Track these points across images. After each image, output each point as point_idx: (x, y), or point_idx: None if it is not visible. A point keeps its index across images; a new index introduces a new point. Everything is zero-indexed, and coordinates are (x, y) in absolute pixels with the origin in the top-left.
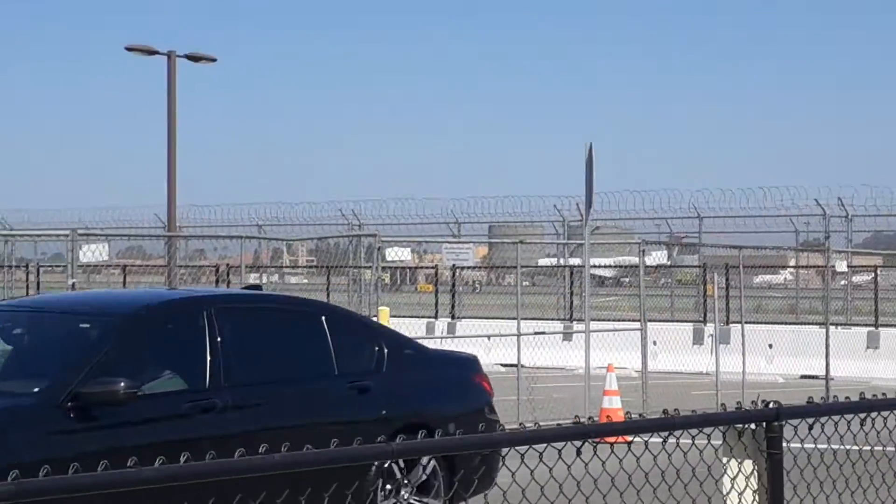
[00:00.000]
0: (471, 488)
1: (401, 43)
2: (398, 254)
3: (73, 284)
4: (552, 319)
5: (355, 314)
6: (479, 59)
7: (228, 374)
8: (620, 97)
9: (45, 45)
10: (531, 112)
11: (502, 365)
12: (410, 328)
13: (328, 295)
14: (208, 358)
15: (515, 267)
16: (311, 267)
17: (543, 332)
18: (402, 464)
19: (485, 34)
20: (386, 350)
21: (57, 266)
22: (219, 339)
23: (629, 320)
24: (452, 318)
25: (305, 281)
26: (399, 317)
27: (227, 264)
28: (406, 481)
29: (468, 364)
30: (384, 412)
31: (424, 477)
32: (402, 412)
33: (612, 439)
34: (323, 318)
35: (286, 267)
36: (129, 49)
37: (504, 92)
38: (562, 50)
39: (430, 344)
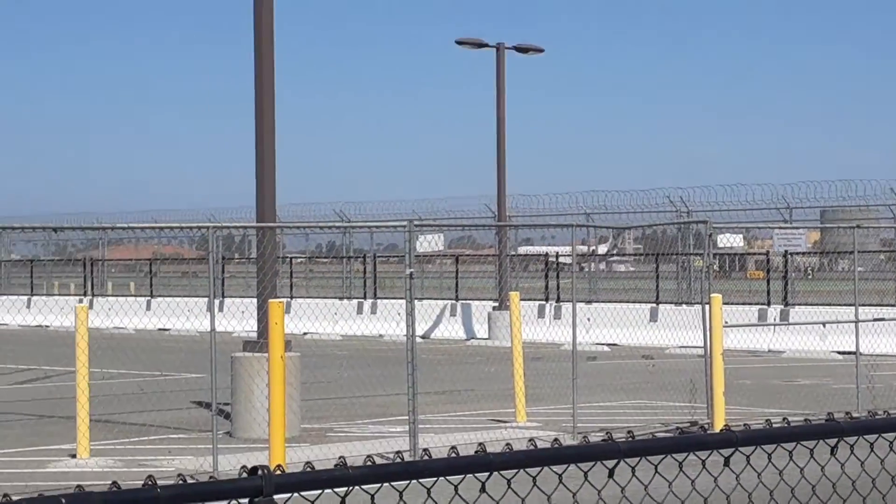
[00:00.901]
0: None
1: (720, 28)
2: (729, 240)
3: (411, 274)
4: (891, 305)
5: None
6: (809, 41)
7: None
8: None
9: (381, 41)
10: (862, 94)
11: (839, 353)
12: (741, 315)
13: (657, 282)
14: None
15: (851, 252)
16: (638, 255)
17: (883, 319)
18: None
19: (809, 17)
20: None
21: (392, 256)
22: None
23: None
24: (785, 304)
25: (633, 269)
26: (730, 304)
27: (557, 253)
28: None
29: None
30: None
31: None
32: None
33: None
34: None
35: (613, 254)
36: (459, 43)
37: (832, 74)
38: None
39: (763, 331)
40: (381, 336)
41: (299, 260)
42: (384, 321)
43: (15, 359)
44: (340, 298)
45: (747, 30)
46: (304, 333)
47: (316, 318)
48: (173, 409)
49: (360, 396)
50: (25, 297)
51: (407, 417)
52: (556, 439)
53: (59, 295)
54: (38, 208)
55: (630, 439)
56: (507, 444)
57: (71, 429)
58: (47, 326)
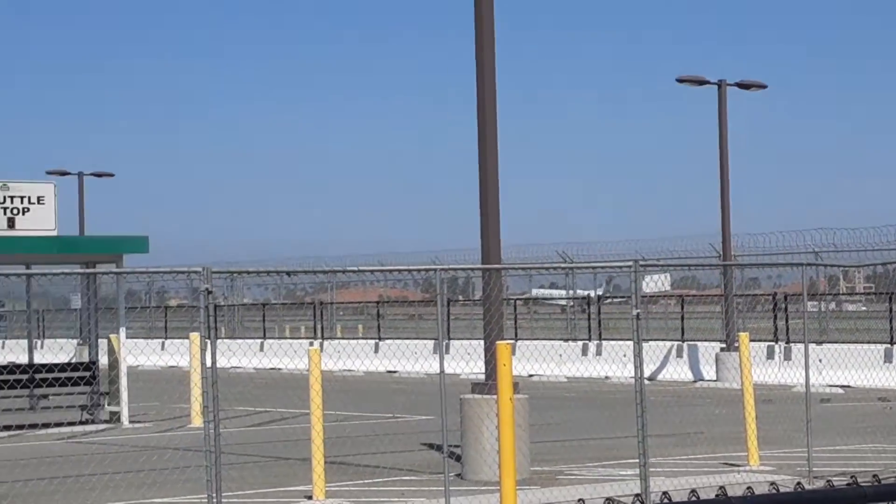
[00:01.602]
0: None
1: None
2: None
3: (638, 315)
4: None
5: None
6: None
7: None
8: None
9: (600, 80)
10: None
11: None
12: None
13: (891, 322)
14: None
15: None
16: (869, 294)
17: None
18: None
19: None
20: None
21: (616, 297)
22: None
23: None
24: None
25: (864, 308)
26: None
27: (785, 293)
28: None
29: None
30: None
31: None
32: None
33: None
34: None
35: (843, 294)
36: (680, 80)
37: None
38: None
39: None
40: (606, 378)
41: (523, 301)
42: (610, 363)
43: (250, 401)
44: (565, 340)
45: None
46: (530, 375)
47: (542, 359)
48: (405, 451)
49: (588, 439)
50: (258, 341)
51: (636, 460)
52: (798, 483)
53: (291, 338)
54: (260, 253)
55: (876, 484)
56: (749, 488)
57: (306, 470)
58: (280, 369)
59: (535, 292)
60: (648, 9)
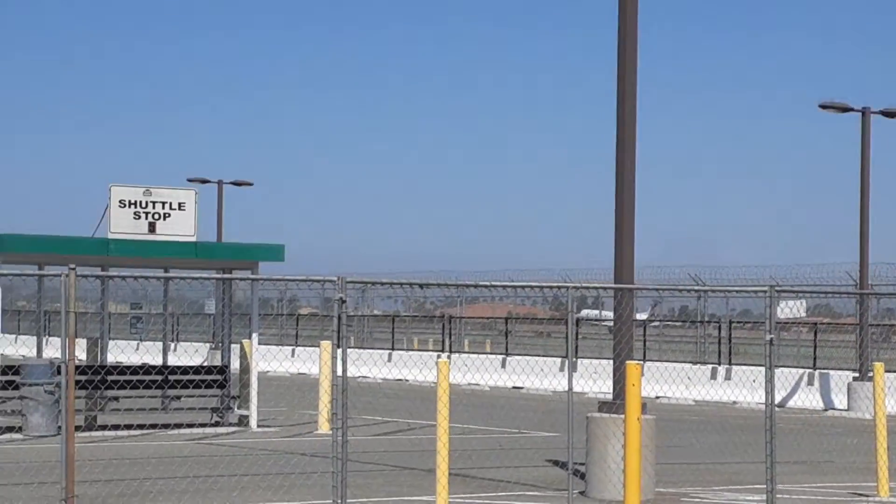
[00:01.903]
0: None
1: None
2: None
3: (771, 340)
4: None
5: None
6: None
7: None
8: None
9: (738, 105)
10: None
11: None
12: None
13: None
14: None
15: None
16: None
17: None
18: None
19: None
20: None
21: (746, 322)
22: None
23: None
24: None
25: None
26: None
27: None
28: None
29: None
30: None
31: None
32: None
33: None
34: None
35: (653, 321)
36: (822, 107)
37: None
38: None
39: None
40: (734, 403)
41: (654, 323)
42: (739, 387)
43: (378, 411)
44: (693, 363)
45: None
46: (657, 397)
47: (670, 381)
48: (529, 467)
49: (715, 463)
50: (387, 352)
51: (763, 486)
52: None
53: (419, 350)
54: (389, 266)
55: None
56: None
57: (431, 481)
58: (407, 380)
59: (585, 313)
60: (788, 32)
